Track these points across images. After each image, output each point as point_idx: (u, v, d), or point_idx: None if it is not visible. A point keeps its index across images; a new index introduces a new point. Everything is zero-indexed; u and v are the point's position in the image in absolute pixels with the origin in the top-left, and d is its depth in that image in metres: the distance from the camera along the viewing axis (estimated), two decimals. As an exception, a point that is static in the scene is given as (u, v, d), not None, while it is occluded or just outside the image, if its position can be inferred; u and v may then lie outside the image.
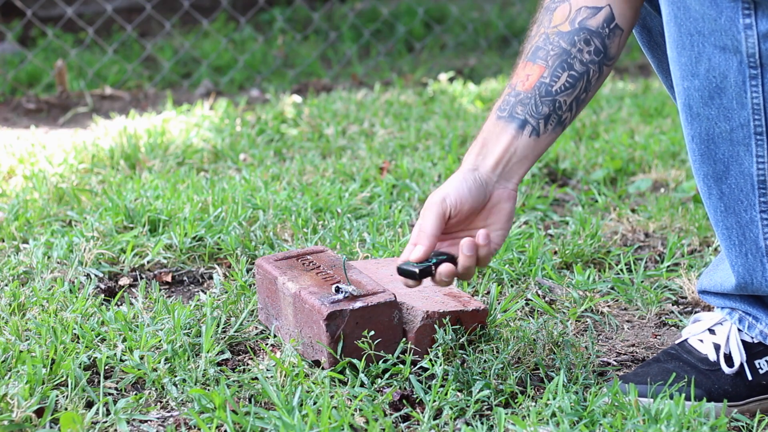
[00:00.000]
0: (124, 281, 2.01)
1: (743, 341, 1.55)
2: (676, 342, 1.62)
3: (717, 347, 1.56)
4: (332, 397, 1.47)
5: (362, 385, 1.53)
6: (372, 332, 1.56)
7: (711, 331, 1.58)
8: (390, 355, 1.57)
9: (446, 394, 1.49)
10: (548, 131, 1.51)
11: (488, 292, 1.92)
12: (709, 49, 1.38)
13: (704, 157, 1.45)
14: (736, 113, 1.40)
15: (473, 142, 1.53)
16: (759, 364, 1.55)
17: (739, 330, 1.55)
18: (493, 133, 1.51)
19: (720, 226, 1.48)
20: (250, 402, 1.50)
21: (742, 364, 1.54)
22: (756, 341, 1.55)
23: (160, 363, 1.57)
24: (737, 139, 1.42)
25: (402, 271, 1.46)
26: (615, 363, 1.70)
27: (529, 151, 1.51)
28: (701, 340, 1.58)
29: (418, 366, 1.58)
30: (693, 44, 1.39)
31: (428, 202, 1.47)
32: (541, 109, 1.50)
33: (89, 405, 1.49)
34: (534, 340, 1.68)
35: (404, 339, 1.60)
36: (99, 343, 1.67)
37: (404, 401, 1.50)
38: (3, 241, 2.19)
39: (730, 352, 1.55)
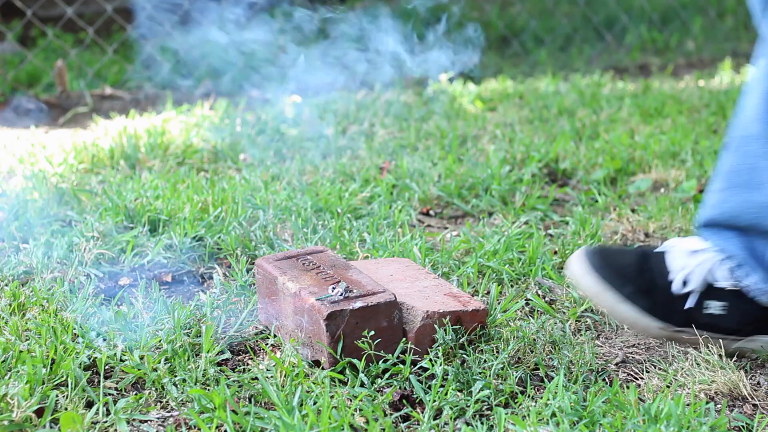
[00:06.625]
0: (124, 281, 2.01)
1: (711, 284, 1.56)
2: (659, 249, 1.62)
3: (684, 268, 1.56)
4: (332, 397, 1.47)
5: (362, 385, 1.53)
6: (372, 332, 1.55)
7: (694, 252, 1.58)
8: (390, 355, 1.57)
9: (446, 394, 1.49)
10: None
11: (488, 292, 1.92)
12: None
13: None
14: None
15: None
16: (707, 304, 1.55)
17: (730, 277, 1.55)
18: None
19: None
20: (250, 402, 1.50)
21: (691, 292, 1.55)
22: (735, 288, 1.55)
23: (160, 363, 1.57)
24: None
25: None
26: (615, 363, 1.70)
27: None
28: (676, 258, 1.58)
29: (418, 366, 1.58)
30: None
31: None
32: None
33: (89, 405, 1.49)
34: (534, 340, 1.68)
35: (404, 339, 1.60)
36: (99, 343, 1.67)
37: (404, 401, 1.50)
38: (3, 241, 2.19)
39: (690, 276, 1.56)
